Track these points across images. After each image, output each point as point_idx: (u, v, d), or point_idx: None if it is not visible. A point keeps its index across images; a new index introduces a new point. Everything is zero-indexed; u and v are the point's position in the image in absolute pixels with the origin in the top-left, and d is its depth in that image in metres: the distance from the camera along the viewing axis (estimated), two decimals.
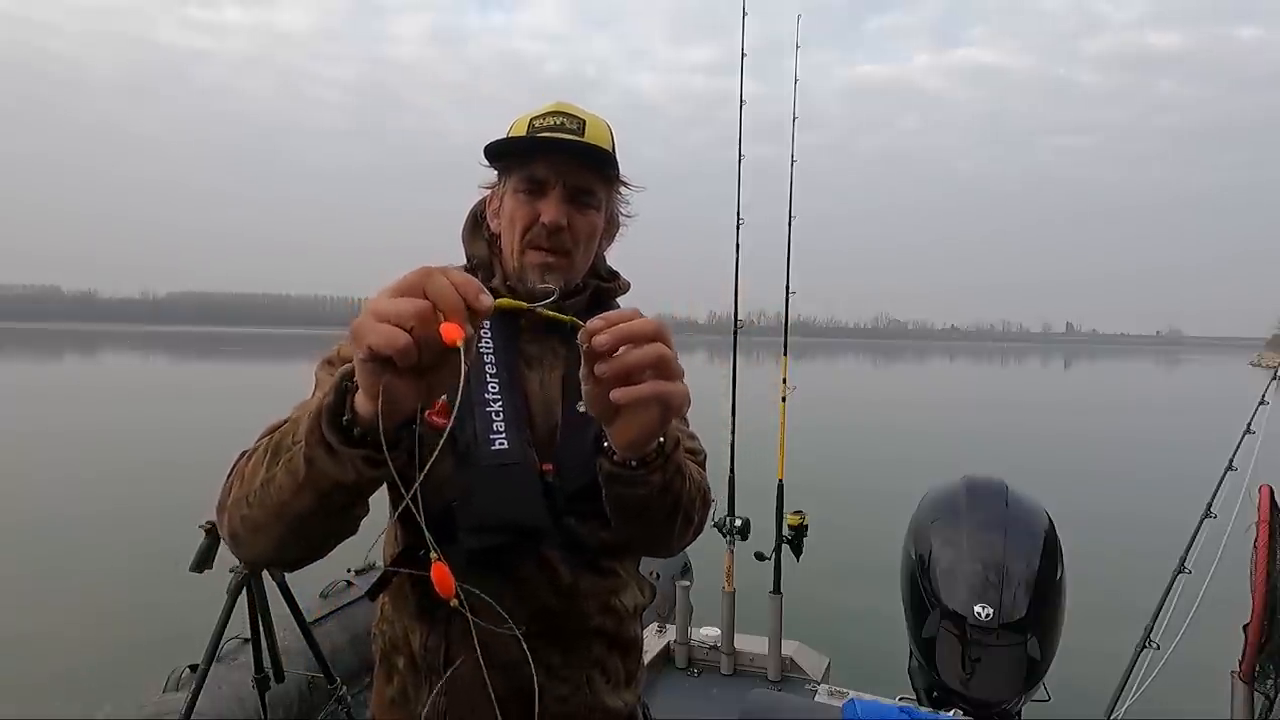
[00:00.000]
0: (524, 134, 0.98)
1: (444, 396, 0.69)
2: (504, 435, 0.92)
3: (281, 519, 0.76)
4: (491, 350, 0.96)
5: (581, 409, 0.75)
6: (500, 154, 0.99)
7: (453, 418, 0.59)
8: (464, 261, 1.08)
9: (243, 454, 0.86)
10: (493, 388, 0.94)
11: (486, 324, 0.95)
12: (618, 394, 0.69)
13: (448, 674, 0.92)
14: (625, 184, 1.04)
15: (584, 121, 0.98)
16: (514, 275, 0.99)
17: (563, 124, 0.97)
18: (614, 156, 1.00)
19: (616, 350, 0.69)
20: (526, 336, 1.00)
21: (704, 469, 1.02)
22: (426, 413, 0.71)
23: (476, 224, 1.07)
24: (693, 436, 1.05)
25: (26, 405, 19.78)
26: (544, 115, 0.98)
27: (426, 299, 0.59)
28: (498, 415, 0.93)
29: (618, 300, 1.11)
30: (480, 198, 1.08)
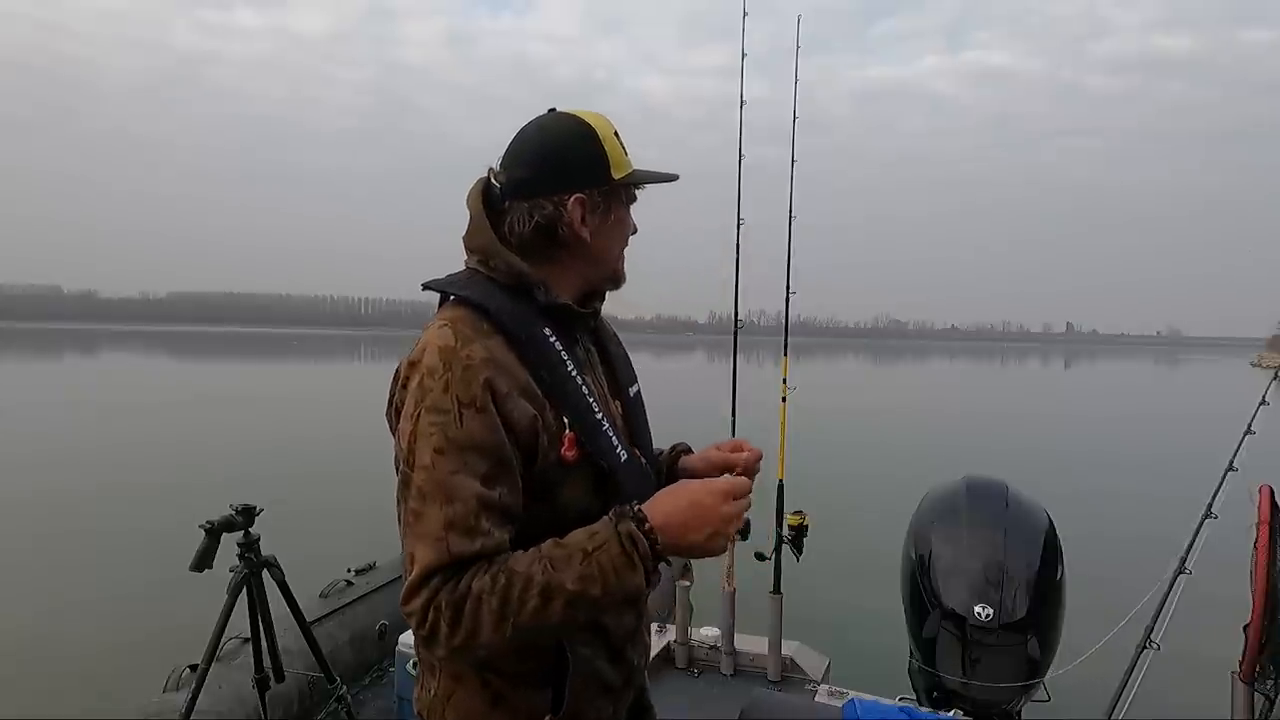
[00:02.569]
0: (614, 143, 1.06)
1: (568, 432, 0.97)
2: (619, 446, 1.05)
3: (563, 628, 0.94)
4: (575, 370, 1.03)
5: (632, 392, 1.14)
6: (636, 183, 1.09)
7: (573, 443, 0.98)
8: (510, 266, 1.02)
9: (455, 602, 0.88)
10: (596, 407, 1.03)
11: (552, 336, 1.02)
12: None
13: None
14: None
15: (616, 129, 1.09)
16: (605, 281, 1.12)
17: (621, 142, 1.07)
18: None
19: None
20: (578, 340, 1.10)
21: None
22: (562, 451, 0.97)
23: (554, 236, 1.04)
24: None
25: (26, 405, 19.78)
26: (615, 130, 1.07)
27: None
28: (609, 431, 1.04)
29: None
30: (545, 211, 1.03)
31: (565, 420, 0.98)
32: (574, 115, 1.06)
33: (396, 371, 1.00)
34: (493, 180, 1.07)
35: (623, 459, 1.03)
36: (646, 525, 0.91)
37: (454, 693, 1.02)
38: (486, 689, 1.00)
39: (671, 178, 1.11)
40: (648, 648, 1.20)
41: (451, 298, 1.03)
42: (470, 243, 1.06)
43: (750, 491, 1.02)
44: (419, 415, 0.92)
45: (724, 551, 0.96)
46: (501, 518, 0.91)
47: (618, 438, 1.04)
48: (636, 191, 1.11)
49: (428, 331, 0.99)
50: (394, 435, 0.98)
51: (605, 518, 0.93)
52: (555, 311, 1.04)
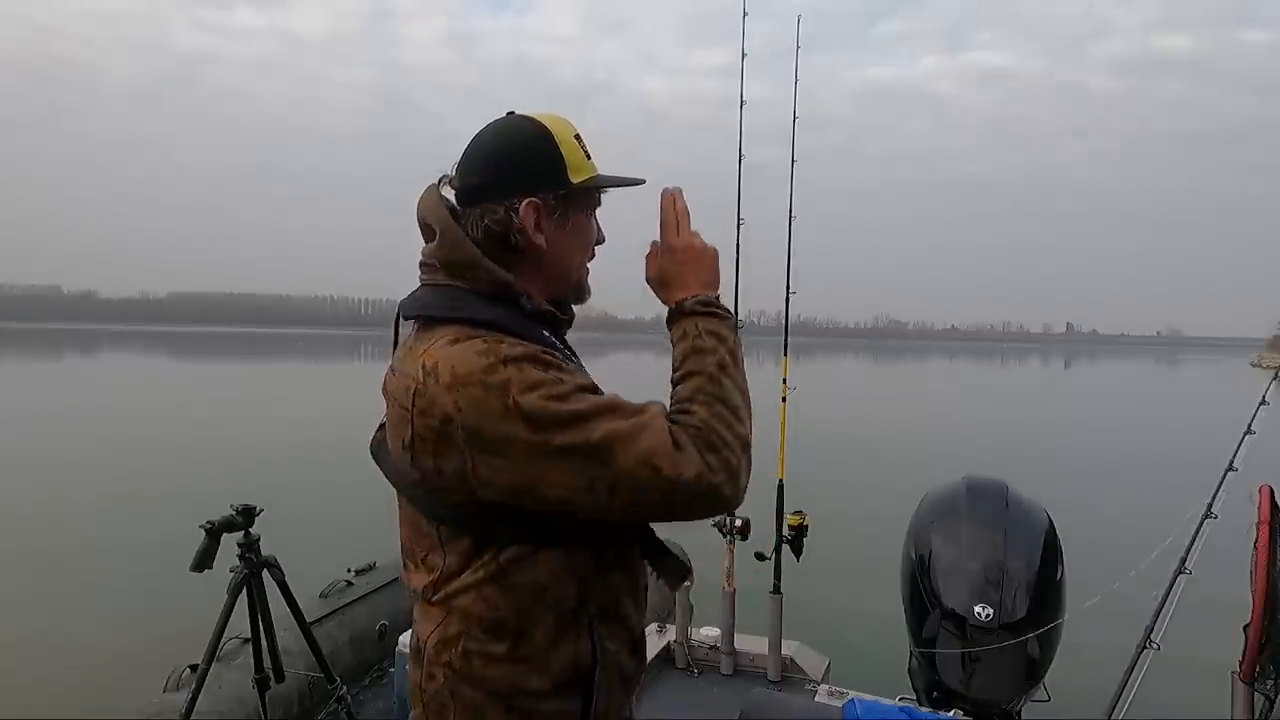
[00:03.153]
0: (572, 146, 1.02)
1: None
2: None
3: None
4: (580, 366, 1.04)
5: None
6: (589, 187, 1.04)
7: None
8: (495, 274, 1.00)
9: (695, 430, 0.89)
10: None
11: (553, 339, 1.02)
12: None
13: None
14: None
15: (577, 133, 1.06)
16: (567, 293, 1.08)
17: (586, 149, 1.04)
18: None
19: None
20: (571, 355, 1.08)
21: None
22: None
23: (507, 243, 1.00)
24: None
25: (27, 405, 19.78)
26: (577, 133, 1.03)
27: None
28: None
29: None
30: (496, 217, 0.99)
31: None
32: (529, 117, 1.02)
33: (404, 403, 0.92)
34: (448, 188, 1.03)
35: None
36: (692, 293, 1.02)
37: None
38: (512, 714, 0.96)
39: (637, 182, 1.06)
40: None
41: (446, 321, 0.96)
42: (443, 256, 0.99)
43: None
44: (520, 408, 0.85)
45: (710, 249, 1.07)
46: None
47: None
48: (603, 196, 1.07)
49: (432, 350, 0.92)
50: (417, 469, 0.93)
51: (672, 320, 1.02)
52: (543, 318, 1.02)
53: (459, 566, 0.95)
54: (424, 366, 0.91)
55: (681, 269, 1.05)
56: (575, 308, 1.12)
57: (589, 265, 1.10)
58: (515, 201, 0.98)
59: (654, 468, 0.85)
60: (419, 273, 1.04)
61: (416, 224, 1.05)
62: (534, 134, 1.00)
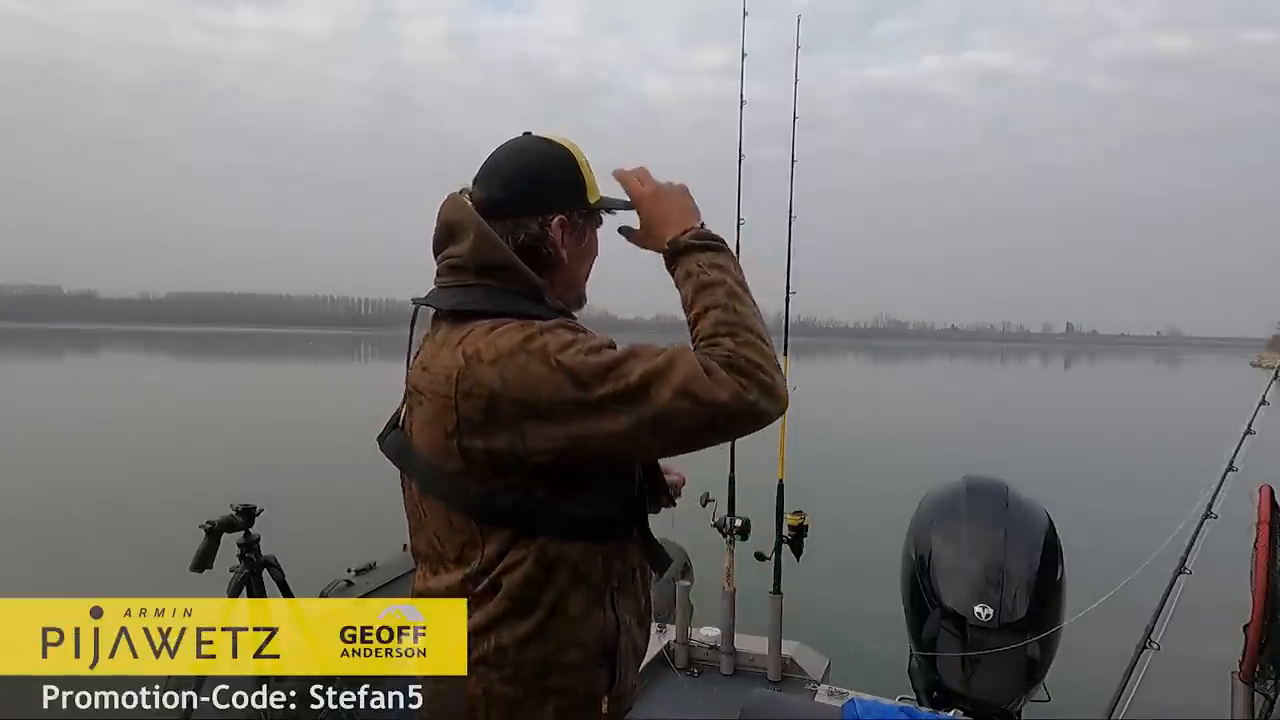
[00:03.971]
0: (587, 168, 1.10)
1: None
2: None
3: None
4: None
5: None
6: (605, 208, 1.13)
7: None
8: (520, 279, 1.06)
9: (724, 358, 0.93)
10: None
11: None
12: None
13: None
14: None
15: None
16: (573, 303, 1.14)
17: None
18: None
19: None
20: None
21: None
22: None
23: (537, 254, 1.07)
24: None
25: (26, 405, 19.78)
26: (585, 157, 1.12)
27: None
28: None
29: None
30: (527, 230, 1.06)
31: None
32: (551, 139, 1.10)
33: (445, 392, 0.96)
34: (470, 198, 1.08)
35: None
36: (678, 229, 1.07)
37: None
38: (546, 703, 1.01)
39: (631, 206, 1.14)
40: None
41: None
42: (475, 257, 1.03)
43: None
44: (555, 356, 0.91)
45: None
46: None
47: None
48: (604, 216, 1.15)
49: (471, 338, 0.96)
50: (466, 456, 0.96)
51: (670, 258, 1.07)
52: (561, 314, 1.08)
53: (498, 554, 1.00)
54: (465, 354, 0.95)
55: (660, 210, 1.11)
56: (575, 313, 1.17)
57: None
58: (549, 217, 1.06)
59: (691, 395, 0.88)
60: (440, 273, 1.08)
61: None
62: (560, 155, 1.09)
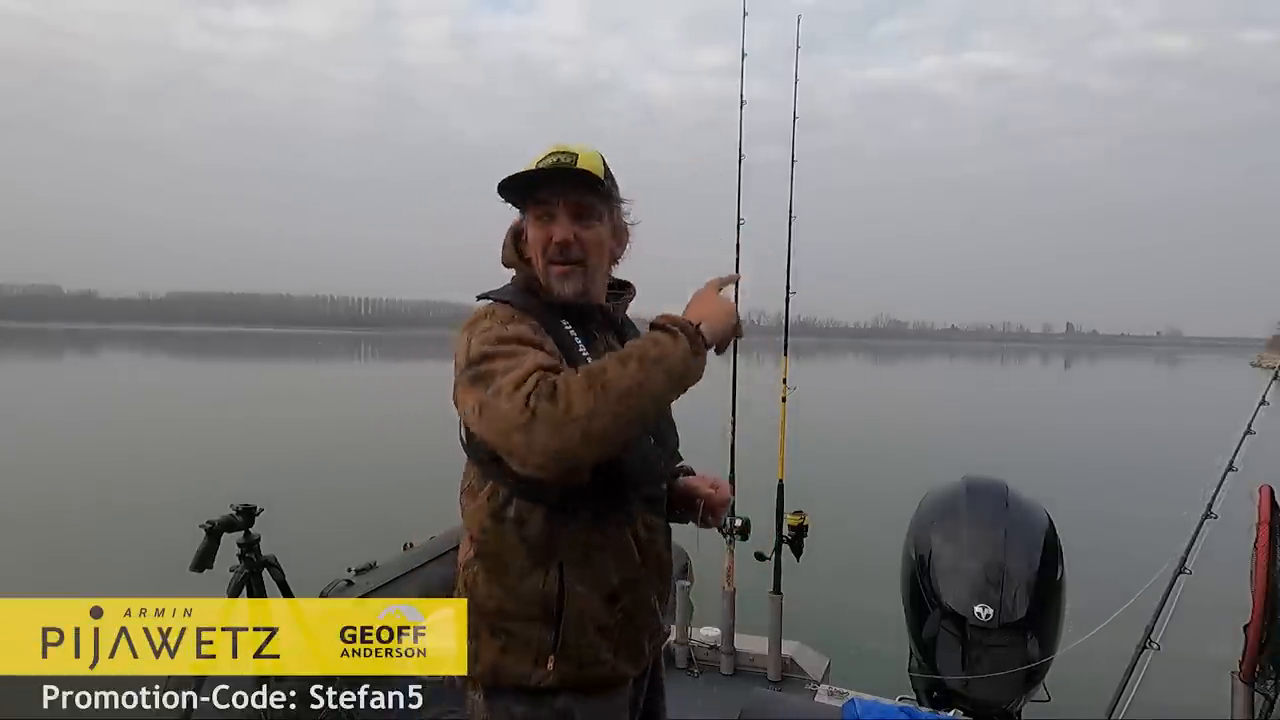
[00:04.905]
0: (540, 157, 1.20)
1: None
2: None
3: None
4: (588, 355, 1.19)
5: None
6: (512, 190, 1.21)
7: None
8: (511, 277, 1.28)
9: (548, 386, 1.02)
10: None
11: (570, 329, 1.20)
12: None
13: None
14: (618, 199, 1.25)
15: (576, 155, 1.19)
16: (546, 289, 1.22)
17: (559, 160, 1.18)
18: (601, 179, 1.20)
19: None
20: (597, 336, 1.24)
21: None
22: None
23: (519, 248, 1.27)
24: None
25: (26, 405, 19.78)
26: (544, 156, 1.20)
27: None
28: None
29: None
30: (517, 219, 1.28)
31: None
32: None
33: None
34: None
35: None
36: (679, 322, 1.12)
37: (478, 650, 1.18)
38: (496, 637, 1.17)
39: (521, 174, 1.19)
40: (660, 630, 1.34)
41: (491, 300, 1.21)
42: (502, 257, 1.29)
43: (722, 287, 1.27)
44: (473, 337, 1.11)
45: (739, 325, 1.20)
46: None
47: None
48: (571, 199, 1.20)
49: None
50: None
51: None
52: (564, 307, 1.21)
53: (472, 491, 1.21)
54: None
55: (695, 305, 1.19)
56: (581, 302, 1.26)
57: (553, 268, 1.22)
58: (523, 216, 1.27)
59: (503, 397, 1.01)
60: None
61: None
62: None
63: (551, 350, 1.12)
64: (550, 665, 1.14)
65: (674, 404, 1.18)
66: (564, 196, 1.19)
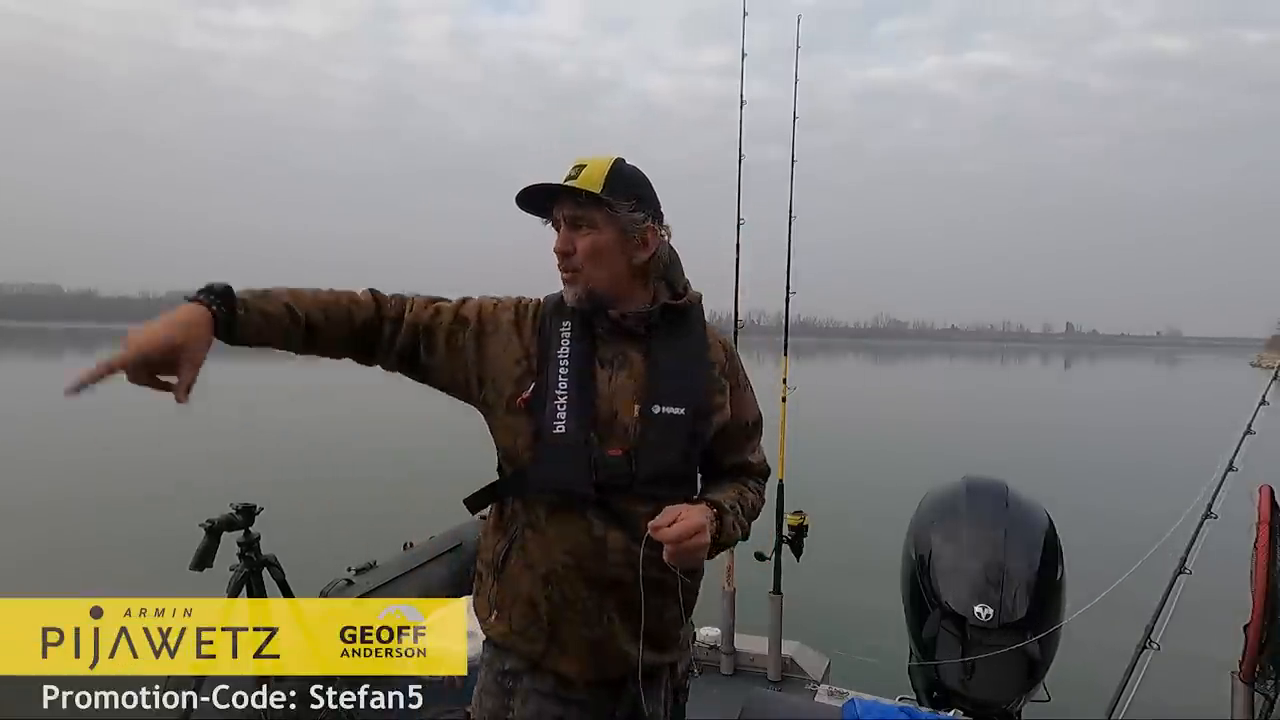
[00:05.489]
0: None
1: (531, 387, 1.25)
2: (563, 421, 1.23)
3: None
4: (568, 356, 1.26)
5: (656, 411, 1.25)
6: (531, 209, 1.31)
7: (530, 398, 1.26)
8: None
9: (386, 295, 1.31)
10: (562, 385, 1.24)
11: (565, 330, 1.29)
12: (670, 559, 1.15)
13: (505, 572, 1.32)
14: (611, 206, 1.25)
15: (583, 166, 1.26)
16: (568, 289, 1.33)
17: (569, 175, 1.26)
18: (589, 190, 1.24)
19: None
20: (602, 342, 1.29)
21: (761, 488, 1.48)
22: (517, 399, 1.25)
23: None
24: (761, 466, 1.48)
25: (26, 404, 19.77)
26: (580, 164, 1.28)
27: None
28: (561, 406, 1.23)
29: (700, 308, 1.37)
30: None
31: (535, 383, 1.25)
32: None
33: None
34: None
35: (555, 430, 1.22)
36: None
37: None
38: (478, 580, 1.37)
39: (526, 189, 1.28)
40: (627, 659, 1.26)
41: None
42: None
43: None
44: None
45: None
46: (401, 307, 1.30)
47: (570, 417, 1.22)
48: (564, 212, 1.28)
49: None
50: None
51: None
52: (579, 311, 1.29)
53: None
54: None
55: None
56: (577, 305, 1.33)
57: (562, 269, 1.30)
58: None
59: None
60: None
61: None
62: None
63: (456, 317, 1.30)
64: (494, 618, 1.30)
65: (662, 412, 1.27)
66: (561, 209, 1.28)
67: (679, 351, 1.31)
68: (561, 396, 1.24)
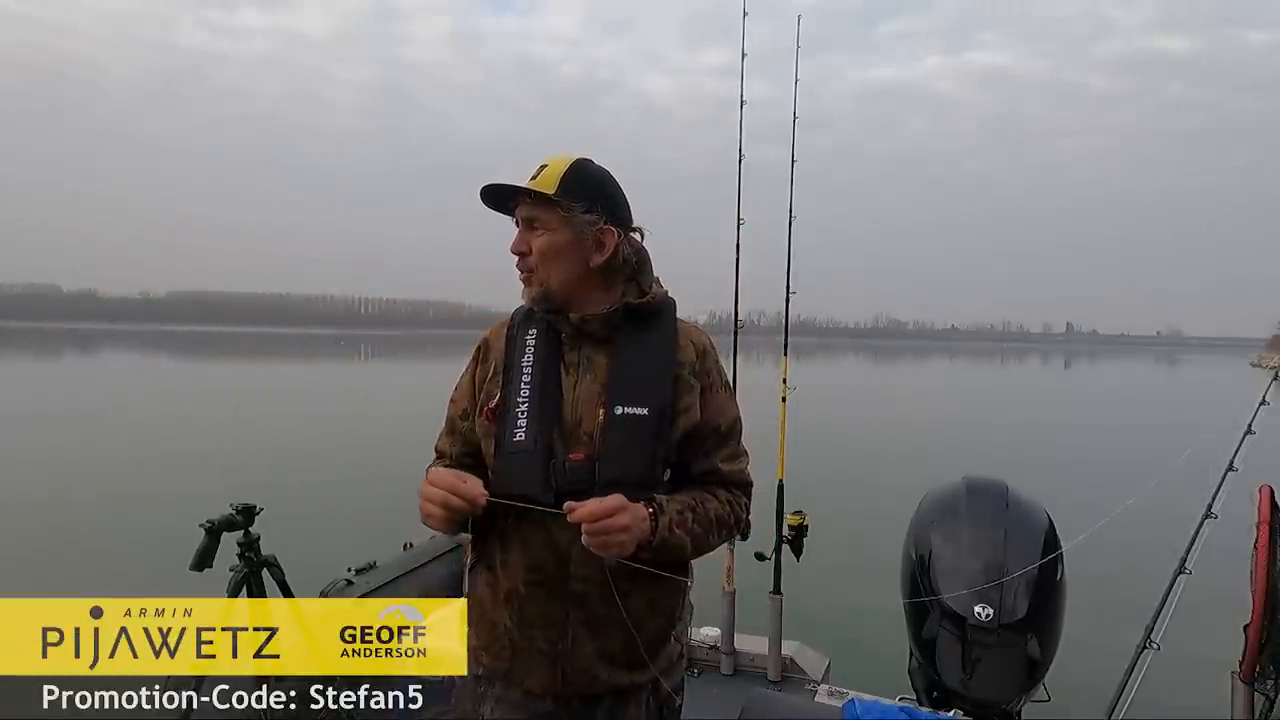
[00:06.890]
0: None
1: (497, 398, 1.26)
2: (523, 430, 1.22)
3: None
4: (532, 362, 1.27)
5: (619, 412, 1.21)
6: (496, 209, 1.31)
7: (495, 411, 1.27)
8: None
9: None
10: (524, 393, 1.25)
11: (531, 337, 1.29)
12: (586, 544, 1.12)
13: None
14: (563, 207, 1.24)
15: (546, 165, 1.26)
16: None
17: (534, 173, 1.26)
18: (539, 190, 1.23)
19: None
20: (568, 346, 1.28)
21: (736, 499, 1.36)
22: (485, 410, 1.27)
23: None
24: (740, 473, 1.38)
25: (26, 404, 19.78)
26: (546, 164, 1.28)
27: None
28: (523, 415, 1.23)
29: (671, 308, 1.34)
30: None
31: (498, 394, 1.27)
32: None
33: None
34: None
35: (515, 439, 1.22)
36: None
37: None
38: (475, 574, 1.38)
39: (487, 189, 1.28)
40: (596, 677, 1.24)
41: None
42: None
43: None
44: None
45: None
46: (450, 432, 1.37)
47: (530, 426, 1.22)
48: (520, 213, 1.28)
49: None
50: None
51: None
52: (543, 314, 1.29)
53: None
54: None
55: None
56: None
57: (519, 270, 1.30)
58: None
59: None
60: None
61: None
62: None
63: (458, 411, 1.36)
64: (466, 609, 1.32)
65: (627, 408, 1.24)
66: (520, 210, 1.28)
67: (643, 351, 1.27)
68: (523, 404, 1.24)
